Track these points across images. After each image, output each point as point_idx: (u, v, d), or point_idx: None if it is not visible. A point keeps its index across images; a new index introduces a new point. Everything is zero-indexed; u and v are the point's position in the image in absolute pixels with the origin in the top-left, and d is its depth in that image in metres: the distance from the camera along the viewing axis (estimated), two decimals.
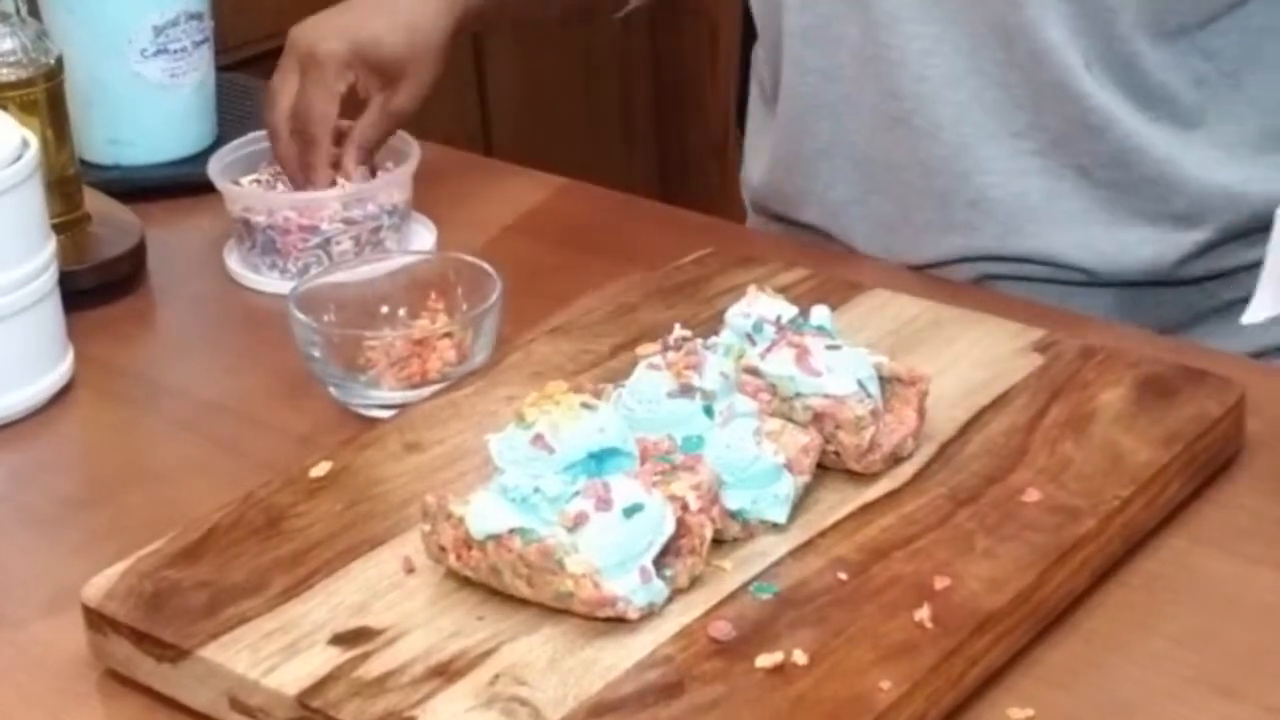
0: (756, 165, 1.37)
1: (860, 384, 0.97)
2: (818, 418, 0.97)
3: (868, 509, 0.95)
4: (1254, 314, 0.99)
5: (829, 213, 1.30)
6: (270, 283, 1.28)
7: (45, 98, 1.28)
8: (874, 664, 0.84)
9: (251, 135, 1.35)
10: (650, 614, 0.88)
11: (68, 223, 1.29)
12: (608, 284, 1.20)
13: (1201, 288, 1.26)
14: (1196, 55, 1.21)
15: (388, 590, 0.91)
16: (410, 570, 0.92)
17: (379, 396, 1.11)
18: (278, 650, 0.87)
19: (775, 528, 0.94)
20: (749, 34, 1.42)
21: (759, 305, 1.01)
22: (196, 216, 1.39)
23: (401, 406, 1.08)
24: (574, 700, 0.83)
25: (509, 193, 1.41)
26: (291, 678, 0.85)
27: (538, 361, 1.10)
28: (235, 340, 1.26)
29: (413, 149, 1.31)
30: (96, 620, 0.91)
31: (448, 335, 1.12)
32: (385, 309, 1.17)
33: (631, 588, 0.87)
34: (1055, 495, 0.95)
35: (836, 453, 0.97)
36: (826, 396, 0.97)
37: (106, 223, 1.33)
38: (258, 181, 1.32)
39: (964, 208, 1.24)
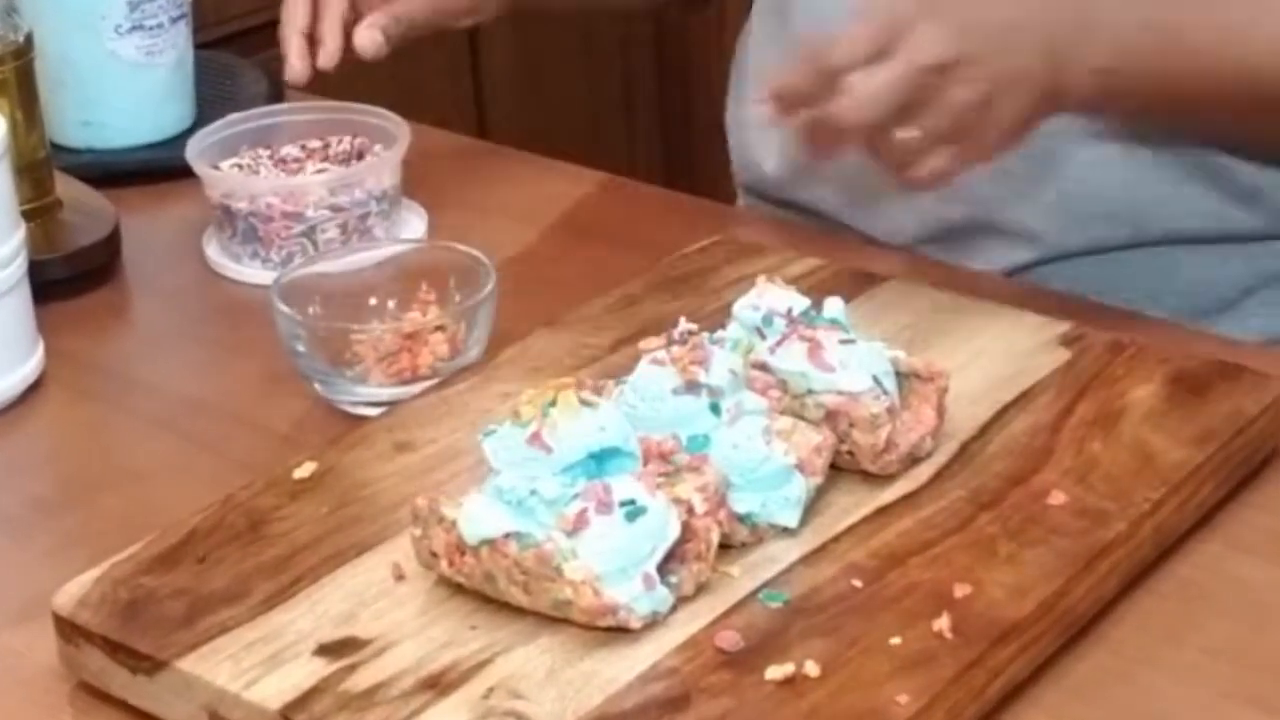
0: (768, 150, 1.37)
1: (876, 380, 0.97)
2: (831, 416, 0.97)
3: (883, 512, 0.95)
4: None
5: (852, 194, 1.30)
6: (252, 273, 1.28)
7: (14, 77, 1.28)
8: (890, 676, 0.84)
9: (232, 117, 1.35)
10: (654, 623, 0.88)
11: (38, 209, 1.29)
12: (609, 274, 1.20)
13: None
14: None
15: (376, 598, 0.91)
16: (400, 577, 0.92)
17: (367, 393, 1.11)
18: (260, 662, 0.87)
19: (786, 532, 0.94)
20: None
21: (769, 297, 1.01)
22: (174, 203, 1.39)
23: (391, 404, 1.08)
24: (573, 715, 0.83)
25: (504, 177, 1.41)
26: (274, 690, 0.85)
27: (535, 356, 1.10)
28: (215, 334, 1.26)
29: (402, 130, 1.32)
30: (68, 630, 0.91)
31: (439, 328, 1.12)
32: (373, 301, 1.17)
33: (634, 595, 0.87)
34: (1082, 498, 0.95)
35: (850, 453, 0.97)
36: (840, 393, 0.97)
37: (79, 209, 1.33)
38: (239, 166, 1.32)
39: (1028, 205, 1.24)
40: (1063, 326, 1.09)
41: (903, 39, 1.04)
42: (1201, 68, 1.13)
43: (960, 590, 0.89)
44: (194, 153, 1.31)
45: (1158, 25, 1.11)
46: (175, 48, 1.44)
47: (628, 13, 1.41)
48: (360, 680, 0.86)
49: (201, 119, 1.44)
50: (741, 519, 0.93)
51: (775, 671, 0.84)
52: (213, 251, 1.31)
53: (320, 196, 1.27)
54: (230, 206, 1.28)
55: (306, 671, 0.86)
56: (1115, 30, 1.10)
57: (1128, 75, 1.11)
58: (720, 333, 1.00)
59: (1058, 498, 0.95)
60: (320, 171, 1.30)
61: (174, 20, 1.44)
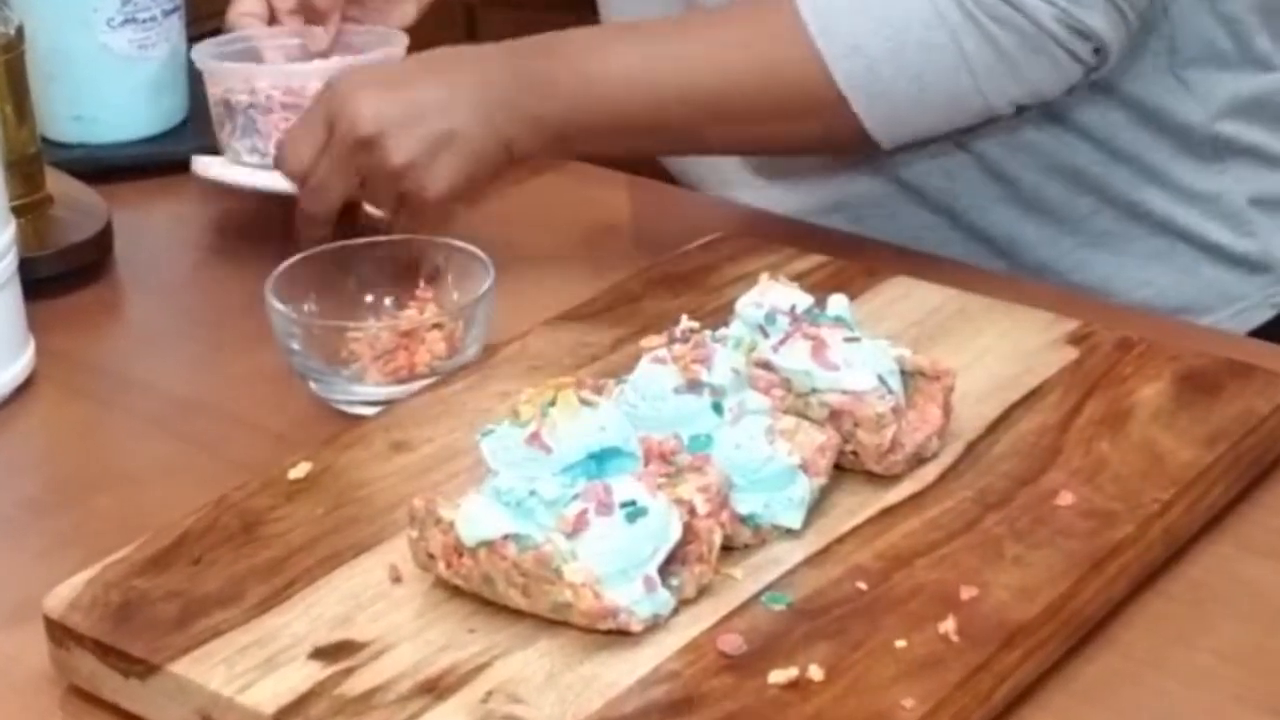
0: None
1: (881, 379, 0.97)
2: (835, 415, 0.97)
3: (889, 513, 0.95)
4: None
5: None
6: (246, 174, 1.28)
7: (4, 71, 1.28)
8: (895, 680, 0.84)
9: (229, 35, 1.35)
10: (655, 626, 0.88)
11: (28, 205, 1.29)
12: (609, 271, 1.20)
13: None
14: None
15: (372, 601, 0.91)
16: (397, 579, 0.92)
17: (363, 392, 1.11)
18: (254, 665, 0.87)
19: (789, 533, 0.94)
20: None
21: (772, 294, 1.01)
22: (167, 198, 1.39)
23: (387, 403, 1.08)
24: (572, 719, 0.83)
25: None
26: (269, 695, 0.85)
27: (534, 355, 1.10)
28: (209, 332, 1.26)
29: (401, 40, 1.32)
30: (59, 633, 0.91)
31: (437, 326, 1.11)
32: (370, 298, 1.17)
33: (635, 598, 0.87)
34: (1090, 498, 0.95)
35: (855, 453, 0.97)
36: (844, 392, 0.97)
37: (70, 205, 1.33)
38: None
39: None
40: (1070, 324, 1.09)
41: (334, 124, 1.19)
42: (624, 100, 1.20)
43: (967, 592, 0.89)
44: (201, 54, 1.32)
45: (578, 70, 1.20)
46: (168, 41, 1.44)
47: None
48: (357, 684, 0.85)
49: (194, 113, 1.44)
50: (744, 520, 0.93)
51: (779, 675, 0.84)
52: (201, 167, 1.31)
53: (320, 87, 1.26)
54: (230, 100, 1.29)
55: (302, 675, 0.86)
56: (544, 79, 1.20)
57: (565, 118, 1.20)
58: (723, 331, 1.00)
59: (1066, 498, 0.95)
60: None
61: (167, 13, 1.44)
